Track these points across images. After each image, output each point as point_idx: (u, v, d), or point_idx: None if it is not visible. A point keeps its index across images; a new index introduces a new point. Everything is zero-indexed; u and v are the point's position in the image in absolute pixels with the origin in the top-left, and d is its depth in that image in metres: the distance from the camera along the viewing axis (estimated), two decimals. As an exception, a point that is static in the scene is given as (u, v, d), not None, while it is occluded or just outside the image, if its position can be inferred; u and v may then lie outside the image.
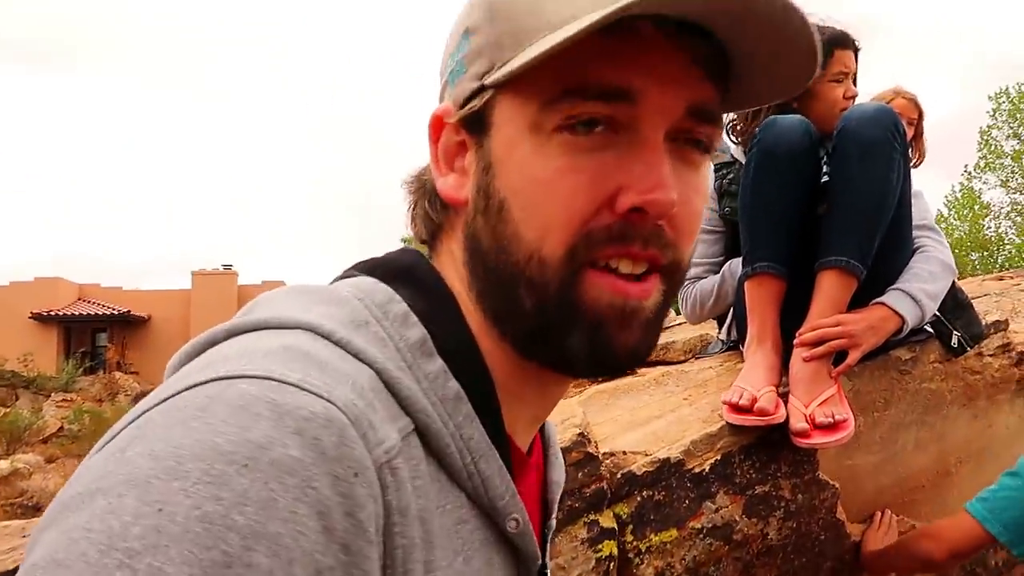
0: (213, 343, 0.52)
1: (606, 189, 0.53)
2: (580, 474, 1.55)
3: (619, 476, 1.60)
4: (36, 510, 10.46)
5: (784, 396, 1.86)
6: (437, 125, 0.60)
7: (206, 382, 0.44)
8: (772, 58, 0.54)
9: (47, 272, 27.70)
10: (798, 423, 1.76)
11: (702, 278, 2.34)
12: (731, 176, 2.28)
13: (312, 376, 0.46)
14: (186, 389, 0.44)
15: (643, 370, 2.22)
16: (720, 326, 2.40)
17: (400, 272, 0.59)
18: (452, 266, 0.60)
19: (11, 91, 53.57)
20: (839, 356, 1.90)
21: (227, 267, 27.59)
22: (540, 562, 0.61)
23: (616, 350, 0.55)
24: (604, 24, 0.48)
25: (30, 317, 24.23)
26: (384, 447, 0.47)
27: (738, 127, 2.28)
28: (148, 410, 0.44)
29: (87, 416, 15.80)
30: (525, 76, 0.53)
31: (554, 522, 0.68)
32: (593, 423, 1.71)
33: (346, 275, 0.60)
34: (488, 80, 0.55)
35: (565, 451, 1.55)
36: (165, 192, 57.20)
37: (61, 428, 15.41)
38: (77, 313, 25.17)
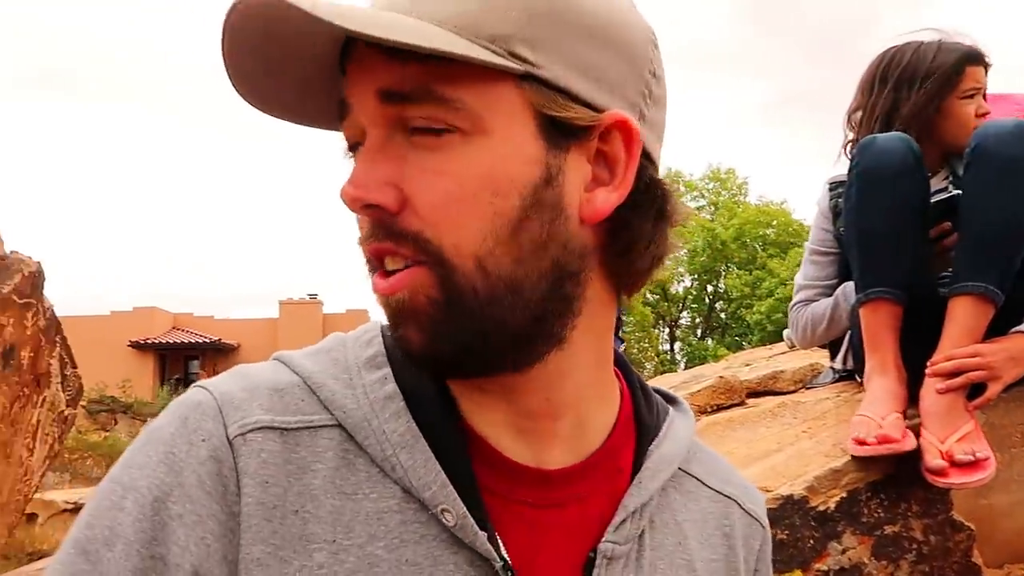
0: None
1: None
2: (699, 510, 1.48)
3: (740, 513, 1.52)
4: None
5: (914, 429, 1.75)
6: None
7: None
8: None
9: (144, 302, 28.92)
10: (934, 460, 1.65)
11: (814, 301, 2.23)
12: None
13: (217, 380, 0.61)
14: None
15: (754, 400, 2.13)
16: (833, 354, 2.29)
17: None
18: None
19: (106, 128, 56.71)
20: (974, 389, 1.77)
21: (313, 296, 28.29)
22: (501, 563, 0.58)
23: (405, 348, 0.58)
24: (231, 53, 0.56)
25: (128, 345, 25.31)
26: (240, 423, 0.57)
27: (850, 146, 2.19)
28: None
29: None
30: None
31: (611, 547, 0.62)
32: (710, 456, 1.63)
33: None
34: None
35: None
36: (254, 223, 59.40)
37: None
38: (171, 341, 26.18)
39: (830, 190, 2.26)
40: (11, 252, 7.08)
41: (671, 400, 0.74)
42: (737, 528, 0.71)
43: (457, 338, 0.56)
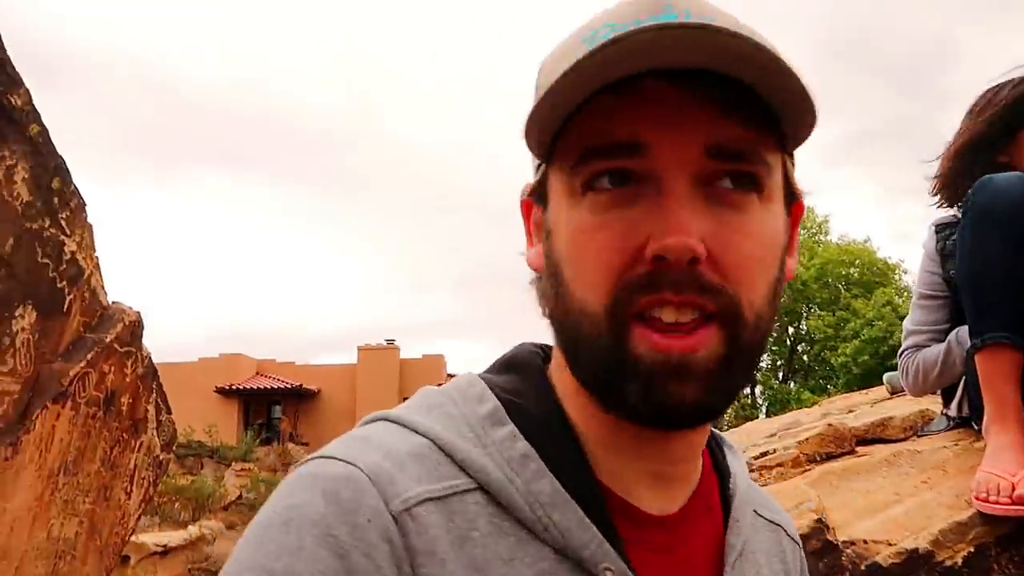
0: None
1: (635, 241, 0.55)
2: (820, 564, 1.43)
3: (863, 568, 1.46)
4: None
5: (1043, 480, 1.66)
6: (525, 203, 0.66)
7: (302, 463, 0.59)
8: (780, 98, 0.55)
9: (229, 347, 29.81)
10: (1070, 512, 1.56)
11: (924, 347, 2.16)
12: (955, 237, 2.12)
13: (349, 450, 0.57)
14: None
15: (865, 448, 2.06)
16: (947, 400, 2.20)
17: (505, 362, 0.68)
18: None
19: (191, 185, 59.40)
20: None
21: (390, 342, 28.65)
22: None
23: (673, 402, 0.55)
24: (568, 88, 0.53)
25: (215, 391, 26.06)
26: (402, 498, 0.54)
27: (946, 186, 2.14)
28: None
29: (263, 485, 16.64)
30: (560, 146, 0.58)
31: None
32: (826, 507, 1.58)
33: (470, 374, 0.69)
34: (541, 157, 0.61)
35: (803, 538, 1.44)
36: (332, 271, 61.01)
37: (240, 496, 16.28)
38: (255, 387, 26.83)
39: (936, 232, 2.20)
40: (113, 303, 7.37)
41: (719, 440, 0.77)
42: (788, 552, 0.75)
43: (726, 392, 0.57)
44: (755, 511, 0.73)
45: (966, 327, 1.95)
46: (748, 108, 0.55)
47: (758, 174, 0.57)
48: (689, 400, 0.55)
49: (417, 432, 0.60)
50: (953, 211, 2.18)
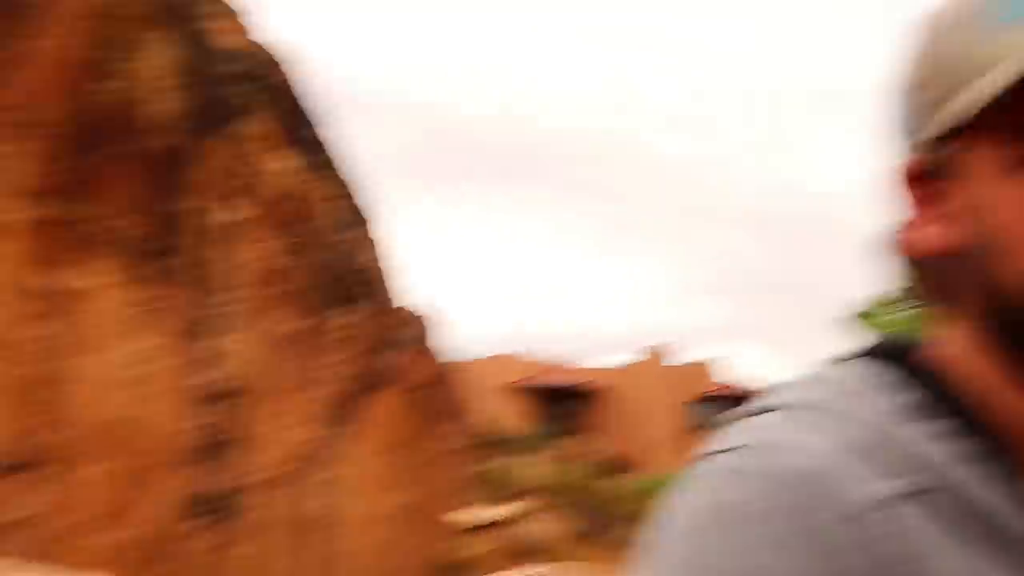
0: (737, 419, 0.59)
1: None
2: None
3: None
4: (524, 554, 11.79)
5: None
6: (912, 179, 0.60)
7: (708, 455, 0.53)
8: None
9: (519, 347, 31.79)
10: None
11: None
12: None
13: (785, 437, 0.51)
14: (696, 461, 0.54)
15: None
16: None
17: (880, 350, 0.61)
18: (951, 322, 0.59)
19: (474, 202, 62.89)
20: None
21: (667, 344, 28.91)
22: None
23: None
24: None
25: (509, 385, 27.77)
26: (869, 498, 0.48)
27: None
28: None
29: (561, 473, 17.50)
30: (990, 117, 0.52)
31: None
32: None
33: (834, 362, 0.63)
34: (947, 128, 0.55)
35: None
36: (610, 280, 61.96)
37: (540, 484, 17.32)
38: (547, 384, 28.21)
39: None
40: (416, 304, 8.18)
41: None
42: None
43: None
44: None
45: None
46: None
47: None
48: None
49: (842, 422, 0.53)
50: None
